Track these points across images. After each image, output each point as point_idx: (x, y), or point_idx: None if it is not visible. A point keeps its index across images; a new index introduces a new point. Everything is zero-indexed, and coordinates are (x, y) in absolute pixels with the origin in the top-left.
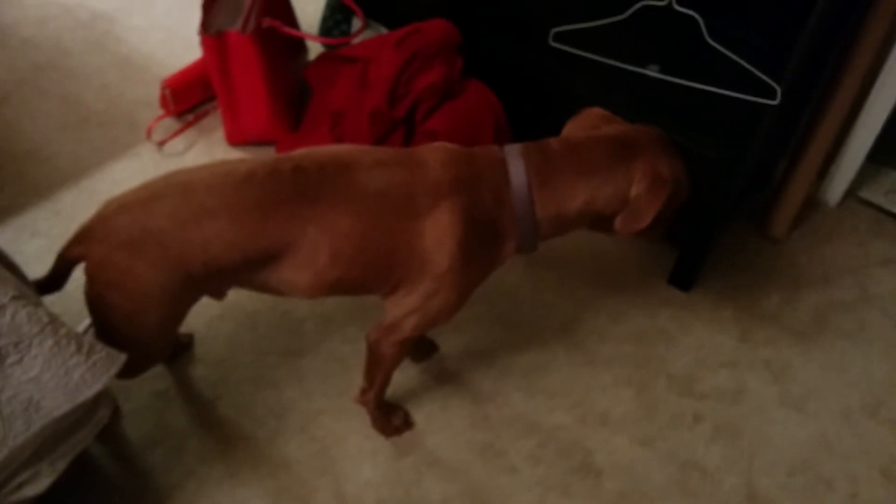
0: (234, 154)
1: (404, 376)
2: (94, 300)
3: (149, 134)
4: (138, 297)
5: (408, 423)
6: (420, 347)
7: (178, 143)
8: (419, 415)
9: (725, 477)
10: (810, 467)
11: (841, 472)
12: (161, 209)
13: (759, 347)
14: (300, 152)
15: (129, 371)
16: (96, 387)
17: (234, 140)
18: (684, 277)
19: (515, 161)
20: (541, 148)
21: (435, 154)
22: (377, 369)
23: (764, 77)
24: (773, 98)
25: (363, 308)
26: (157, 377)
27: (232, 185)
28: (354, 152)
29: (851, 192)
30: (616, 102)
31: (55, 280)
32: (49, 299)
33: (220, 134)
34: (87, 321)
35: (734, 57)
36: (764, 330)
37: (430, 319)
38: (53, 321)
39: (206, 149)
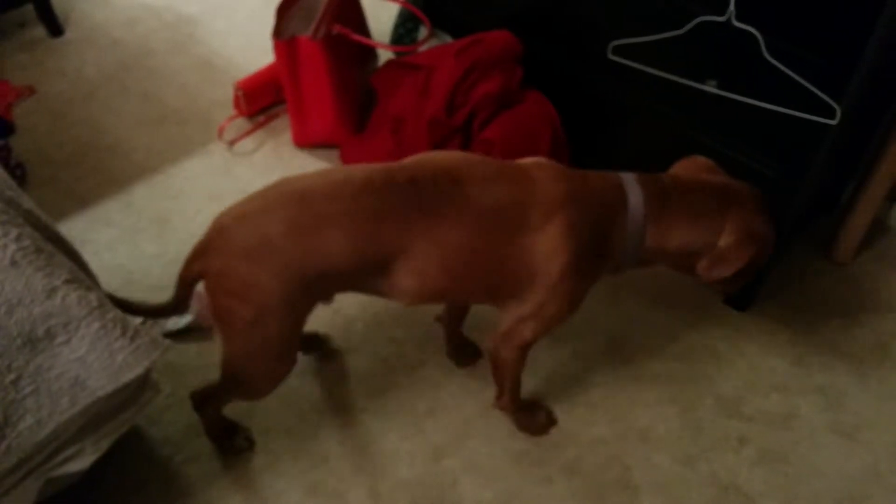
0: (300, 155)
1: (446, 380)
2: (217, 312)
3: (220, 133)
4: (259, 305)
5: (552, 420)
6: (464, 353)
7: (247, 143)
8: (458, 419)
9: (768, 503)
10: (858, 499)
11: None
12: (279, 218)
13: (814, 373)
14: (413, 162)
15: (256, 390)
16: (138, 370)
17: (301, 142)
18: (740, 297)
19: (634, 187)
20: (656, 181)
21: (544, 170)
22: (503, 375)
23: (823, 96)
24: (833, 118)
25: (411, 311)
26: (211, 366)
27: (349, 194)
28: (465, 165)
29: None
30: (673, 117)
31: (179, 301)
32: (114, 286)
33: (288, 136)
34: None
35: (793, 74)
36: (820, 355)
37: (546, 325)
38: (102, 305)
39: (273, 149)
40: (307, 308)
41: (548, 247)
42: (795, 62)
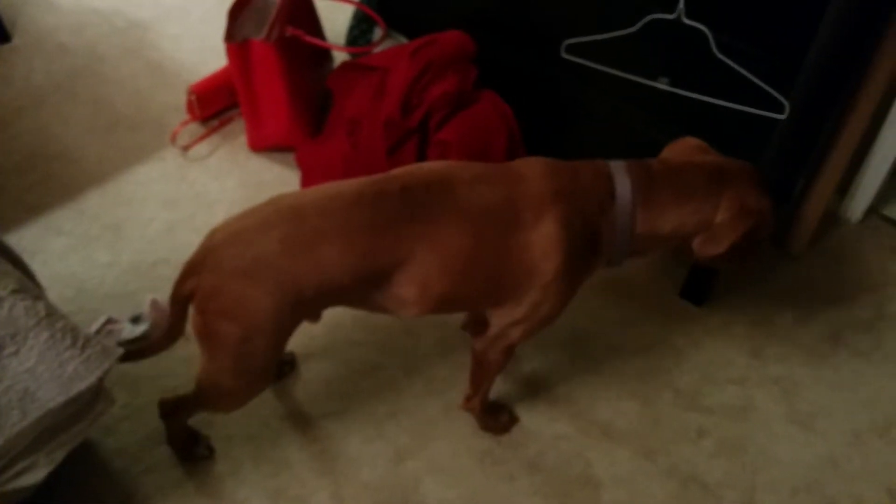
0: (255, 159)
1: (407, 382)
2: (205, 331)
3: (174, 138)
4: (250, 324)
5: (513, 419)
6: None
7: (201, 148)
8: (420, 420)
9: (727, 493)
10: (815, 487)
11: (846, 493)
12: (273, 236)
13: (770, 364)
14: (403, 172)
15: (233, 405)
16: (90, 380)
17: (256, 146)
18: (696, 291)
19: (622, 176)
20: (644, 167)
21: (533, 167)
22: (483, 376)
23: (771, 91)
24: (782, 112)
25: (370, 314)
26: (167, 375)
27: (343, 208)
28: (454, 169)
29: (875, 209)
30: (627, 114)
31: (177, 323)
32: (67, 296)
33: (242, 140)
34: (102, 319)
35: (742, 70)
36: (775, 347)
37: (536, 326)
38: (50, 315)
39: (228, 154)
40: (295, 326)
41: (542, 246)
42: (745, 58)
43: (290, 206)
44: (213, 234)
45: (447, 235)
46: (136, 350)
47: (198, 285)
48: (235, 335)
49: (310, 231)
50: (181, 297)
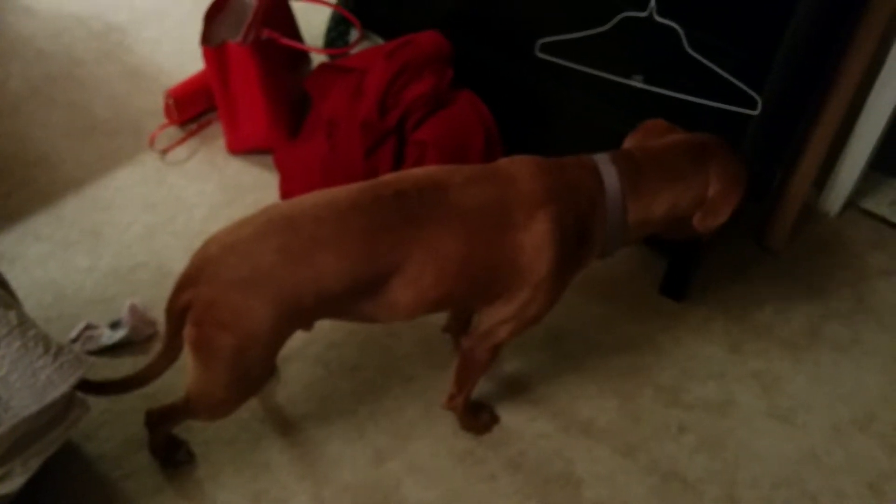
0: (234, 162)
1: (387, 383)
2: (201, 343)
3: (152, 142)
4: (247, 335)
5: (494, 419)
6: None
7: (180, 152)
8: (400, 421)
9: (707, 489)
10: (796, 481)
11: (827, 487)
12: (270, 246)
13: (750, 359)
14: (394, 177)
15: (223, 413)
16: (63, 388)
17: (234, 148)
18: (676, 287)
19: (608, 168)
20: (627, 156)
21: (523, 167)
22: (469, 374)
23: (744, 87)
24: (754, 108)
25: None
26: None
27: (338, 216)
28: (445, 172)
29: (853, 203)
30: (602, 112)
31: (173, 339)
32: (46, 302)
33: (221, 143)
34: (80, 325)
35: (714, 67)
36: (755, 341)
37: (525, 324)
38: (22, 323)
39: (207, 157)
40: (290, 334)
41: (534, 245)
42: (717, 55)
43: (285, 216)
44: (207, 246)
45: (441, 238)
46: (135, 377)
47: (194, 297)
48: (232, 347)
49: (307, 240)
50: (177, 311)
